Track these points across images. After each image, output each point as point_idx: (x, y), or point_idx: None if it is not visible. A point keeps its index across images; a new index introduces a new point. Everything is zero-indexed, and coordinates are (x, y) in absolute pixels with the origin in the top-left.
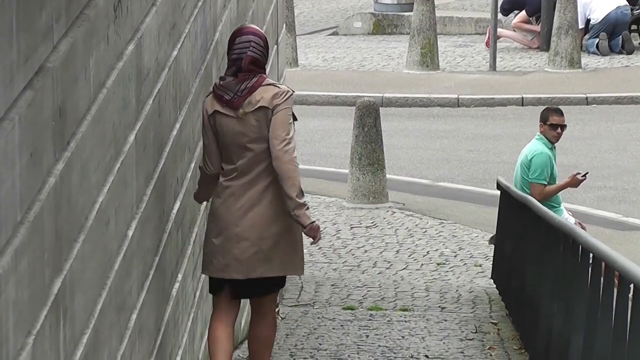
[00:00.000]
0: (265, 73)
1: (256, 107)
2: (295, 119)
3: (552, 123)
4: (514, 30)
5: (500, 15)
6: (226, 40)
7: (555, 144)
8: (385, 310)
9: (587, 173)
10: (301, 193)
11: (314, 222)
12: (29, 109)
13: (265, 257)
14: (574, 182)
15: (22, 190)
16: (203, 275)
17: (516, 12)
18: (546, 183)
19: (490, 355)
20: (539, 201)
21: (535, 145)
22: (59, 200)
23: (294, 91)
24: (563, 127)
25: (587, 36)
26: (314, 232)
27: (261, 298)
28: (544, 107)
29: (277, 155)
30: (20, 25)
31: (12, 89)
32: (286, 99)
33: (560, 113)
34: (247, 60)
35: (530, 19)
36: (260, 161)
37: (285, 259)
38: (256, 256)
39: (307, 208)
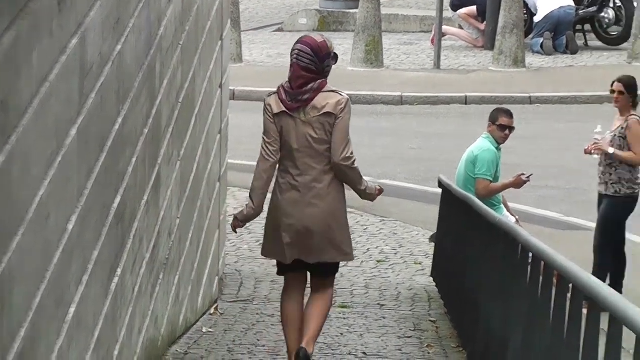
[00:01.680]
0: (325, 78)
1: (322, 112)
2: None
3: (501, 124)
4: (459, 27)
5: (446, 13)
6: (170, 35)
7: (501, 145)
8: None
9: (531, 174)
10: (364, 182)
11: (374, 192)
12: None
13: (331, 245)
14: (518, 183)
15: None
16: (142, 270)
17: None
18: (491, 179)
19: (428, 353)
20: (482, 197)
21: (482, 143)
22: None
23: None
24: (511, 129)
25: (531, 35)
26: (379, 193)
27: (325, 279)
28: (488, 106)
29: (338, 165)
30: None
31: None
32: (348, 108)
33: (510, 115)
34: (296, 68)
35: (478, 17)
36: (323, 160)
37: (343, 248)
38: (323, 244)
39: (369, 186)
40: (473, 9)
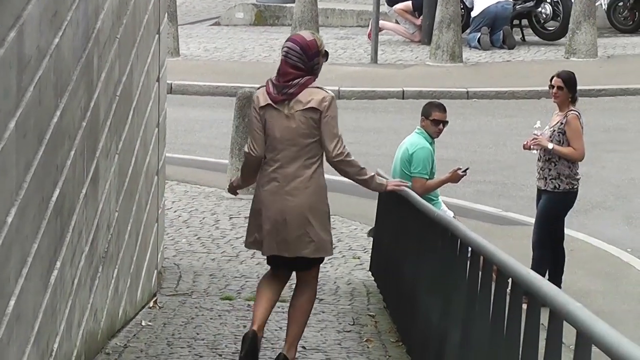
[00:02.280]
0: (312, 75)
1: (306, 107)
2: None
3: (434, 119)
4: (396, 22)
5: (383, 8)
6: (108, 28)
7: (437, 140)
8: None
9: (467, 168)
10: (365, 172)
11: (387, 183)
12: None
13: (308, 239)
14: (455, 177)
15: None
16: (81, 263)
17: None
18: (427, 177)
19: (368, 347)
20: (419, 195)
21: (416, 139)
22: None
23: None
24: (445, 123)
25: (468, 30)
26: (394, 189)
27: (305, 272)
28: (425, 100)
29: (334, 163)
30: None
31: None
32: (333, 105)
33: (443, 109)
34: (284, 65)
35: (415, 12)
36: (305, 154)
37: (321, 243)
38: (301, 238)
39: (376, 176)
40: (409, 4)
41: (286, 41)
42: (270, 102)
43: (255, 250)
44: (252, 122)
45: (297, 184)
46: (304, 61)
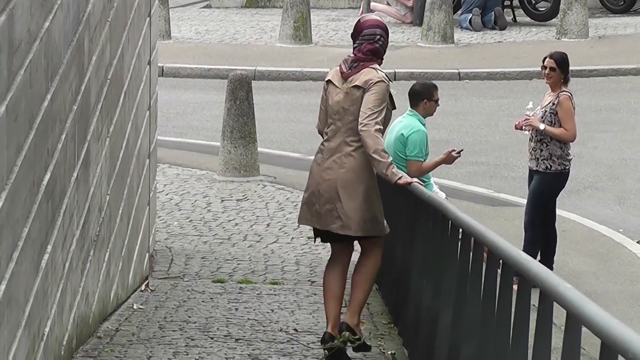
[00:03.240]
0: (378, 60)
1: (357, 83)
2: (394, 107)
3: (437, 99)
4: (387, 4)
5: None
6: (98, 11)
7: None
8: (255, 283)
9: (461, 150)
10: (384, 156)
11: (401, 176)
12: None
13: (336, 215)
14: (449, 159)
15: None
16: (73, 247)
17: None
18: (423, 160)
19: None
20: (415, 177)
21: (409, 122)
22: None
23: (390, 81)
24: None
25: (460, 11)
26: (404, 185)
27: (363, 241)
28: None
29: (362, 127)
30: None
31: None
32: (378, 83)
33: (436, 87)
34: (366, 48)
35: None
36: (348, 131)
37: (349, 221)
38: (331, 212)
39: (393, 167)
40: None
41: (374, 27)
42: (330, 78)
43: (247, 233)
44: (321, 99)
45: (336, 159)
46: (384, 44)
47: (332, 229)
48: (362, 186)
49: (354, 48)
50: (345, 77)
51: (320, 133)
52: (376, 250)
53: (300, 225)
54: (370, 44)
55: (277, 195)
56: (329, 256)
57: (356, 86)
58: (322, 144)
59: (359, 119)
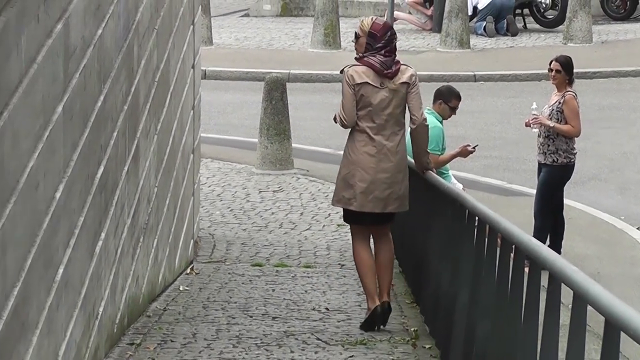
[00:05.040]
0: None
1: (403, 81)
2: None
3: (453, 106)
4: (409, 12)
5: (397, 0)
6: (147, 20)
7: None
8: (290, 267)
9: (476, 145)
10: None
11: (432, 167)
12: None
13: (397, 196)
14: (464, 153)
15: None
16: (124, 234)
17: None
18: (440, 154)
19: None
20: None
21: (428, 118)
22: None
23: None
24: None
25: (475, 19)
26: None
27: (386, 225)
28: (436, 83)
29: (420, 124)
30: None
31: None
32: (416, 78)
33: (460, 98)
34: (393, 48)
35: (426, 3)
36: (396, 123)
37: (404, 200)
38: (391, 195)
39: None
40: None
41: (391, 29)
42: (366, 80)
43: (282, 221)
44: (347, 98)
45: (390, 149)
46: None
47: (390, 210)
48: (407, 168)
49: (380, 48)
50: (390, 76)
51: (348, 126)
52: (390, 234)
53: (330, 214)
54: (394, 42)
55: (310, 187)
56: (357, 240)
57: (405, 83)
58: (368, 137)
59: (416, 114)
